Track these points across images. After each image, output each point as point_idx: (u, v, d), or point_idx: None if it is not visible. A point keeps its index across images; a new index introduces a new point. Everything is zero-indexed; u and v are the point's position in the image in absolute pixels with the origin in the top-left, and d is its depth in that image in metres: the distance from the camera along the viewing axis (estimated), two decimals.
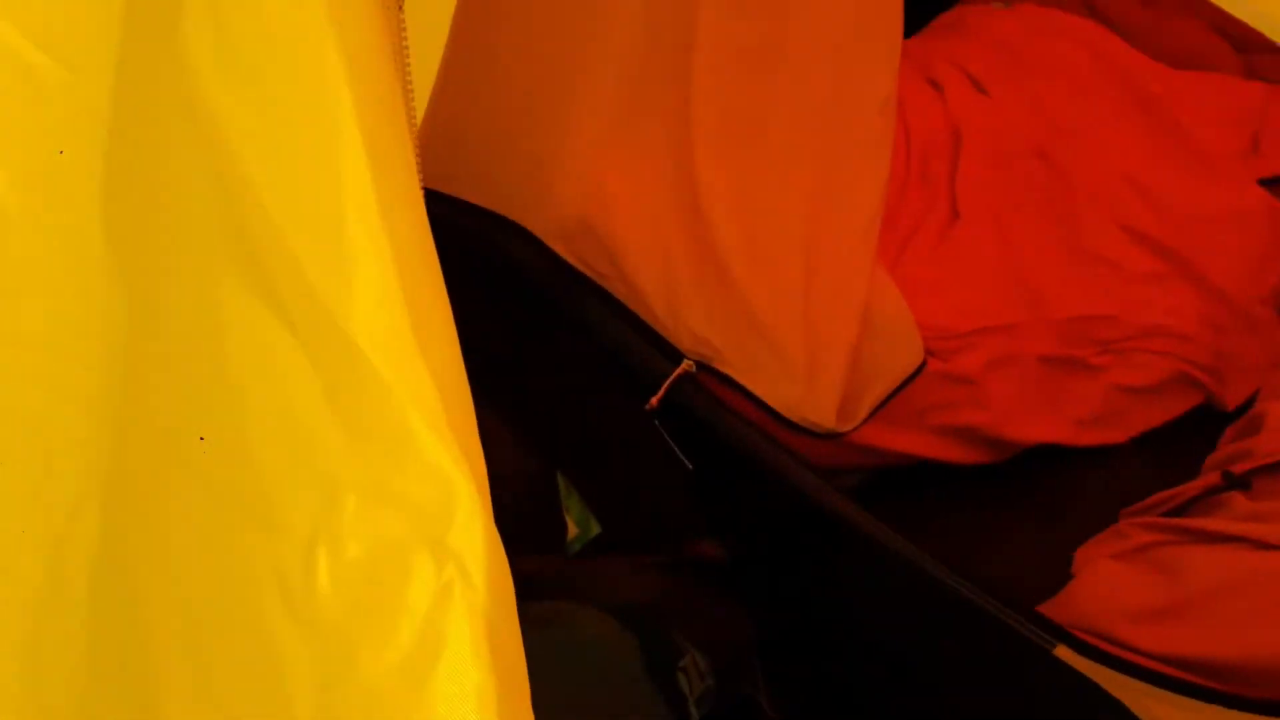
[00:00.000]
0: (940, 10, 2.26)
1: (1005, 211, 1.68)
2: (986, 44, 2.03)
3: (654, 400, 1.28)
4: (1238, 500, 1.20)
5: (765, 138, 1.35)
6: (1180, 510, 1.16)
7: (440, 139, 1.59)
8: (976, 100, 1.87)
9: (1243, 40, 2.14)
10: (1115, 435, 1.55)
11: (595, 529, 1.09)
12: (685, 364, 1.29)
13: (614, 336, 1.35)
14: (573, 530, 1.07)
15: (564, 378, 1.43)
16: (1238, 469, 1.24)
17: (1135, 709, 1.07)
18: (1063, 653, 1.10)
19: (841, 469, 1.39)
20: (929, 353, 1.41)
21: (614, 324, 1.36)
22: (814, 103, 1.36)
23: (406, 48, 0.76)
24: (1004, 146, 1.77)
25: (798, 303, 1.30)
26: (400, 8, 0.77)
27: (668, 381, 1.28)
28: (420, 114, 1.19)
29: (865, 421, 1.27)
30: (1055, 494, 1.49)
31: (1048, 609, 1.20)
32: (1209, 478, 1.19)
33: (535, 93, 1.46)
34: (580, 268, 1.40)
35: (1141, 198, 1.79)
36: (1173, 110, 1.92)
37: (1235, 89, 2.03)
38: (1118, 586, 1.20)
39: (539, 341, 1.47)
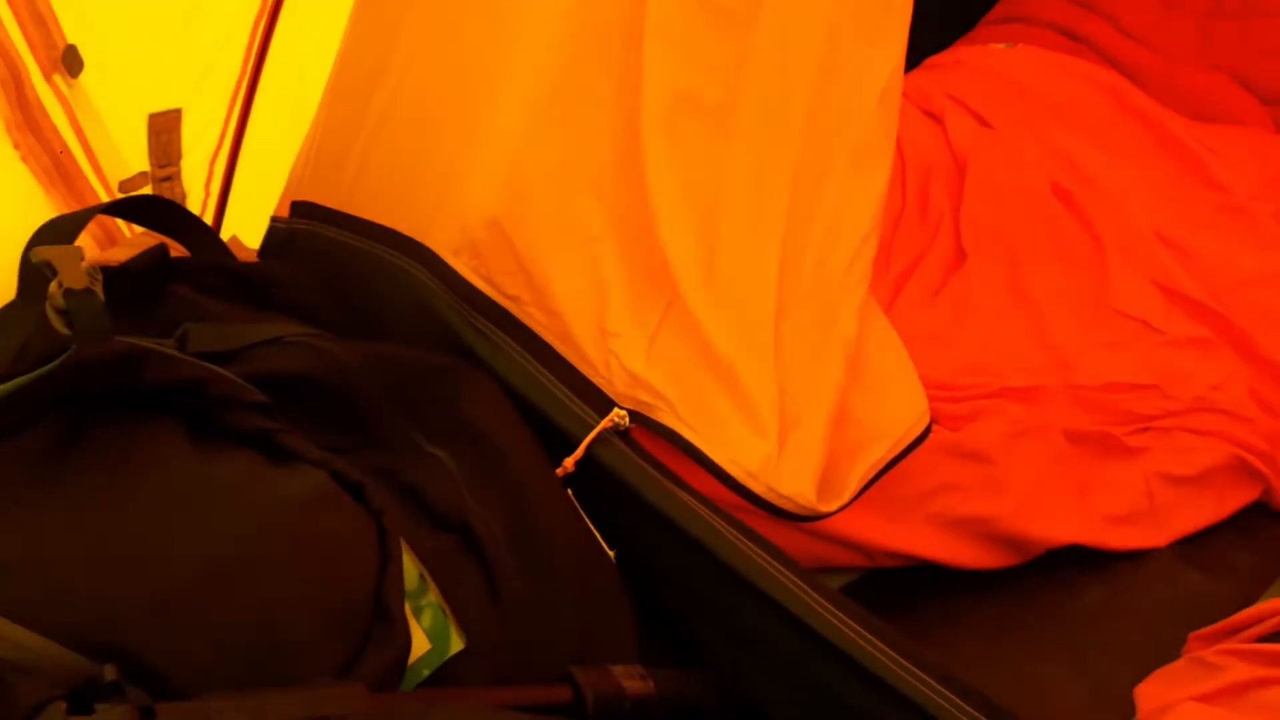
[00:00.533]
0: (933, 52, 2.01)
1: (1019, 254, 1.39)
2: (988, 79, 1.77)
3: (569, 462, 0.93)
4: None
5: (732, 131, 1.04)
6: None
7: (331, 148, 1.29)
8: (980, 131, 1.60)
9: (1269, 92, 1.91)
10: (1155, 538, 1.23)
11: (456, 644, 0.74)
12: (615, 414, 0.95)
13: (523, 377, 1.02)
14: (421, 646, 0.72)
15: None
16: None
17: None
18: None
19: (819, 570, 1.05)
20: (933, 419, 1.08)
21: (523, 361, 1.02)
22: (794, 88, 1.06)
23: None
24: (1015, 182, 1.48)
25: (767, 337, 0.97)
26: None
27: (589, 437, 0.94)
28: None
29: (855, 499, 0.93)
30: (1088, 609, 1.16)
31: None
32: None
33: (443, 89, 1.17)
34: (486, 289, 1.07)
35: (1176, 255, 1.51)
36: (1204, 163, 1.66)
37: (1268, 143, 1.78)
38: None
39: None
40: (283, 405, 0.87)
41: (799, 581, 0.85)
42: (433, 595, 0.76)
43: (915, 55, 1.97)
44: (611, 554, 0.89)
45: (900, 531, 1.10)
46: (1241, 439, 1.28)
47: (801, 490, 0.89)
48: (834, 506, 0.91)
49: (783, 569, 0.86)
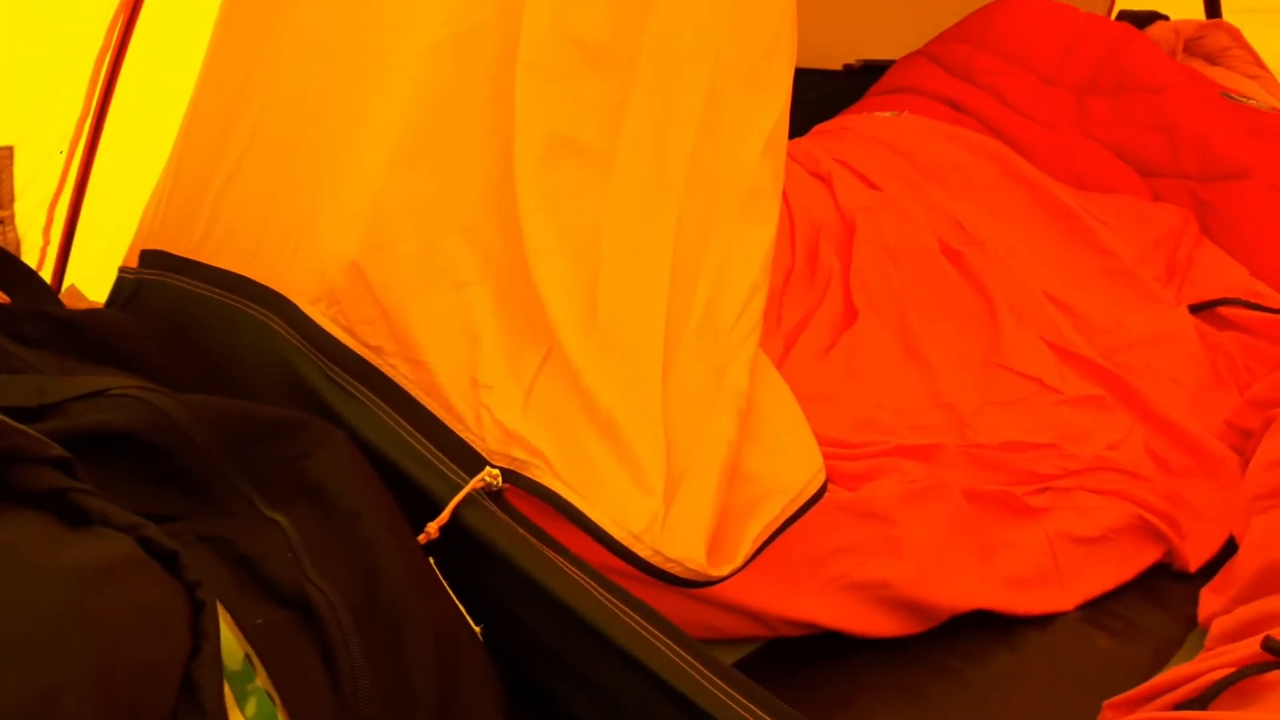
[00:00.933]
0: (819, 121, 2.02)
1: (910, 312, 1.35)
2: (874, 145, 1.77)
3: (432, 527, 0.84)
4: None
5: (611, 175, 0.98)
6: (1207, 698, 0.78)
7: (185, 192, 1.20)
8: (868, 193, 1.58)
9: (1146, 164, 1.96)
10: (1061, 601, 1.18)
11: None
12: (486, 473, 0.86)
13: (385, 435, 0.92)
14: None
15: None
16: None
17: None
18: None
19: (714, 642, 0.97)
20: (829, 478, 1.02)
21: (386, 417, 0.93)
22: (676, 134, 1.01)
23: None
24: (905, 242, 1.46)
25: (654, 388, 0.90)
26: None
27: (455, 499, 0.84)
28: None
29: (750, 560, 0.85)
30: (996, 677, 1.09)
31: None
32: (1234, 650, 0.81)
33: (303, 127, 1.09)
34: (346, 340, 0.98)
35: (1066, 315, 1.51)
36: (1089, 228, 1.68)
37: (1148, 211, 1.82)
38: None
39: None
40: (102, 464, 0.76)
41: (688, 657, 0.76)
42: (260, 679, 0.65)
43: (801, 126, 1.99)
44: (478, 629, 0.78)
45: (799, 597, 1.03)
46: (1141, 499, 1.25)
47: (691, 553, 0.81)
48: (727, 570, 0.83)
49: (671, 643, 0.77)
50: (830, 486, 0.99)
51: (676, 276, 0.97)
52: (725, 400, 0.93)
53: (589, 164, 0.96)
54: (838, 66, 2.58)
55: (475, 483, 0.85)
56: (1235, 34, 2.34)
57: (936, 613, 1.09)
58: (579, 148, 0.96)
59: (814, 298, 1.35)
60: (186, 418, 0.86)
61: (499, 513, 0.84)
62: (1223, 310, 1.62)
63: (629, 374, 0.89)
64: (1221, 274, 1.68)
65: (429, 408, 0.92)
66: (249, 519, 0.83)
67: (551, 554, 0.80)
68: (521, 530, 0.82)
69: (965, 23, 2.28)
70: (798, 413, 1.01)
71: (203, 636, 0.63)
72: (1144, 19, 2.44)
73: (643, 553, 0.80)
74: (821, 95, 2.29)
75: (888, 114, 1.99)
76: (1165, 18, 2.46)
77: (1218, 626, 0.92)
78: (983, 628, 1.13)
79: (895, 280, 1.39)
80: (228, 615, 0.70)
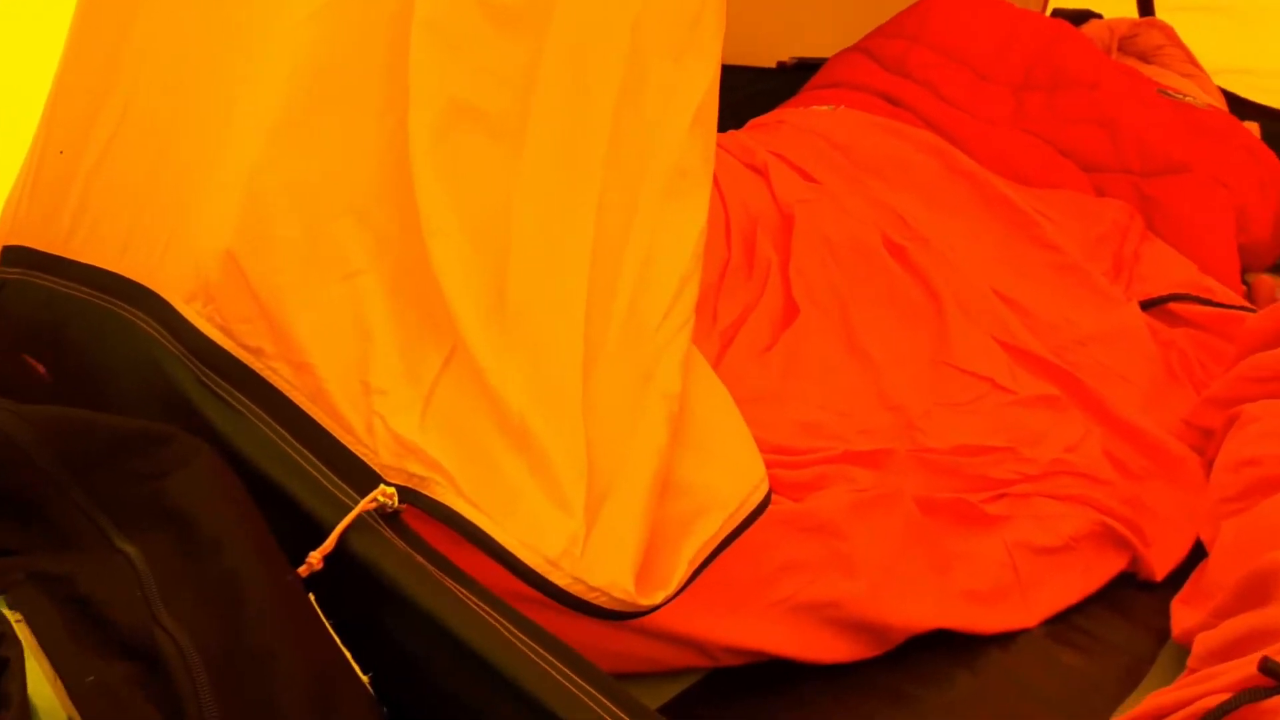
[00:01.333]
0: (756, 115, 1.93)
1: (853, 308, 1.26)
2: (812, 138, 1.69)
3: (315, 557, 0.71)
4: None
5: (521, 147, 0.87)
6: None
7: (49, 183, 1.06)
8: (807, 186, 1.49)
9: (1086, 159, 1.90)
10: (1024, 617, 1.09)
11: None
12: (380, 492, 0.74)
13: (266, 449, 0.80)
14: None
15: None
16: None
17: None
18: None
19: (647, 675, 0.86)
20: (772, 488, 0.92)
21: (266, 429, 0.81)
22: (594, 104, 0.90)
23: None
24: (846, 235, 1.37)
25: (573, 390, 0.79)
26: None
27: (342, 524, 0.72)
28: None
29: (686, 585, 0.74)
30: (957, 704, 1.00)
31: None
32: (1227, 673, 0.73)
33: (176, 107, 0.98)
34: (223, 341, 0.85)
35: (1015, 311, 1.43)
36: (1035, 223, 1.61)
37: (1093, 206, 1.76)
38: None
39: None
40: None
41: (615, 709, 0.65)
42: None
43: (738, 119, 1.91)
44: (366, 678, 0.66)
45: (741, 622, 0.92)
46: (1103, 504, 1.17)
47: (617, 579, 0.70)
48: (659, 598, 0.72)
49: (594, 691, 0.65)
50: (774, 498, 0.89)
51: (597, 264, 0.87)
52: (654, 403, 0.82)
53: (495, 136, 0.85)
54: (771, 64, 2.52)
55: (366, 503, 0.73)
56: (1169, 32, 2.32)
57: (891, 634, 1.00)
58: (484, 117, 0.85)
59: (752, 293, 1.25)
60: (25, 433, 0.73)
61: (394, 538, 0.72)
62: (1173, 306, 1.56)
63: (543, 374, 0.78)
64: (1170, 269, 1.63)
65: (315, 417, 0.80)
66: (97, 551, 0.70)
67: (454, 585, 0.68)
68: (419, 558, 0.70)
69: (900, 18, 2.22)
70: (737, 417, 0.91)
71: (3, 703, 0.50)
72: (1078, 17, 2.41)
73: (561, 581, 0.69)
74: (755, 93, 2.22)
75: (824, 108, 1.91)
76: (1099, 16, 2.43)
77: (1201, 644, 0.83)
78: (941, 649, 1.03)
79: (837, 275, 1.31)
80: (50, 672, 0.57)
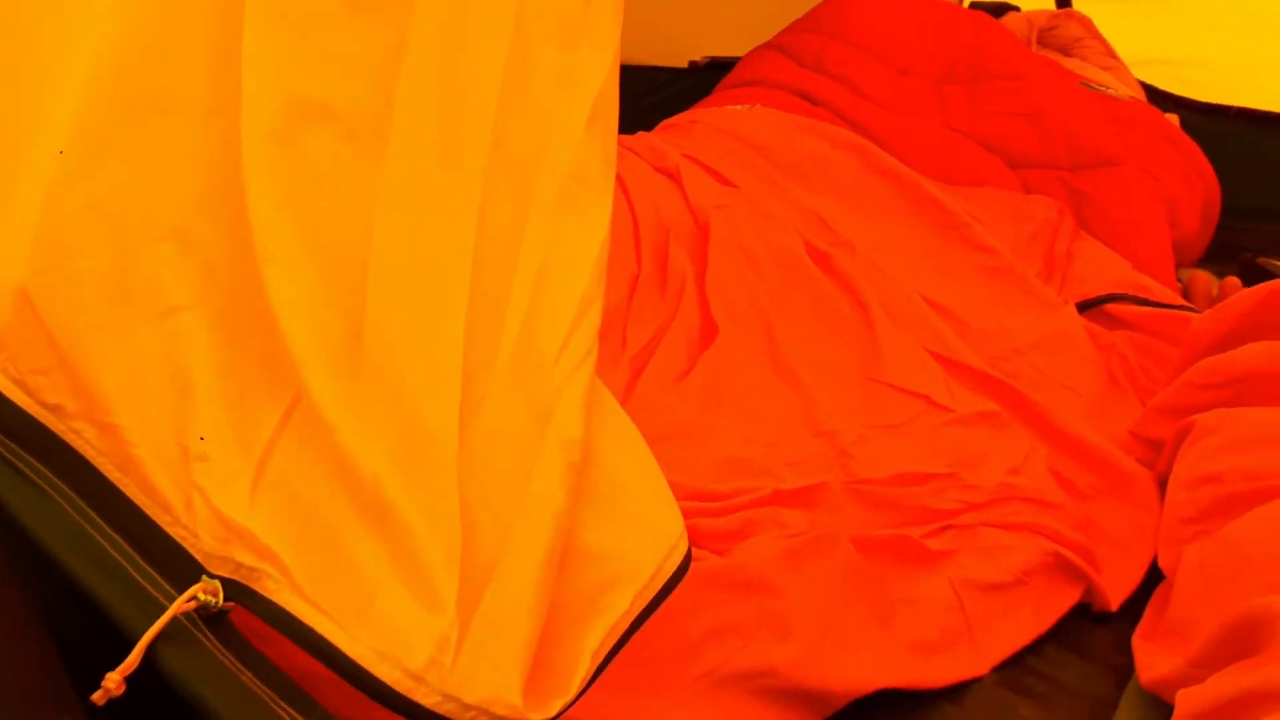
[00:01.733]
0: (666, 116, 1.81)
1: (777, 324, 1.14)
2: (726, 138, 1.57)
3: (114, 679, 0.56)
4: None
5: (383, 152, 0.73)
6: None
7: None
8: (722, 190, 1.37)
9: (1013, 155, 1.82)
10: (974, 665, 0.98)
11: None
12: (201, 588, 0.59)
13: (62, 530, 0.64)
14: None
15: None
16: None
17: None
18: None
19: None
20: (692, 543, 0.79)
21: (65, 504, 0.65)
22: (472, 99, 0.76)
23: None
24: (765, 244, 1.26)
25: (446, 447, 0.65)
26: None
27: (148, 635, 0.57)
28: None
29: (588, 687, 0.61)
30: None
31: None
32: None
33: None
34: (16, 396, 0.69)
35: (948, 320, 1.32)
36: (964, 224, 1.51)
37: (1020, 204, 1.68)
38: None
39: None
40: None
41: None
42: None
43: (648, 121, 1.79)
44: None
45: (662, 704, 0.79)
46: (1054, 531, 1.07)
47: (500, 693, 0.56)
48: (556, 707, 0.58)
49: None
50: (695, 553, 0.76)
51: (480, 288, 0.73)
52: (551, 454, 0.69)
53: (349, 138, 0.71)
54: (683, 64, 2.41)
55: (182, 603, 0.57)
56: (1087, 24, 2.27)
57: (832, 699, 0.88)
58: (334, 116, 0.70)
59: (666, 311, 1.13)
60: None
61: (217, 649, 0.57)
62: (1110, 308, 1.47)
63: (408, 429, 0.64)
64: (1105, 268, 1.55)
65: (125, 491, 0.64)
66: None
67: (293, 714, 0.54)
68: (247, 676, 0.55)
69: (816, 13, 2.13)
70: (650, 462, 0.78)
71: None
72: (997, 10, 2.35)
73: (427, 700, 0.54)
74: (666, 95, 2.12)
75: (740, 107, 1.80)
76: (1017, 9, 2.38)
77: (1188, 705, 0.73)
78: (887, 710, 0.92)
79: (758, 287, 1.19)
80: None
